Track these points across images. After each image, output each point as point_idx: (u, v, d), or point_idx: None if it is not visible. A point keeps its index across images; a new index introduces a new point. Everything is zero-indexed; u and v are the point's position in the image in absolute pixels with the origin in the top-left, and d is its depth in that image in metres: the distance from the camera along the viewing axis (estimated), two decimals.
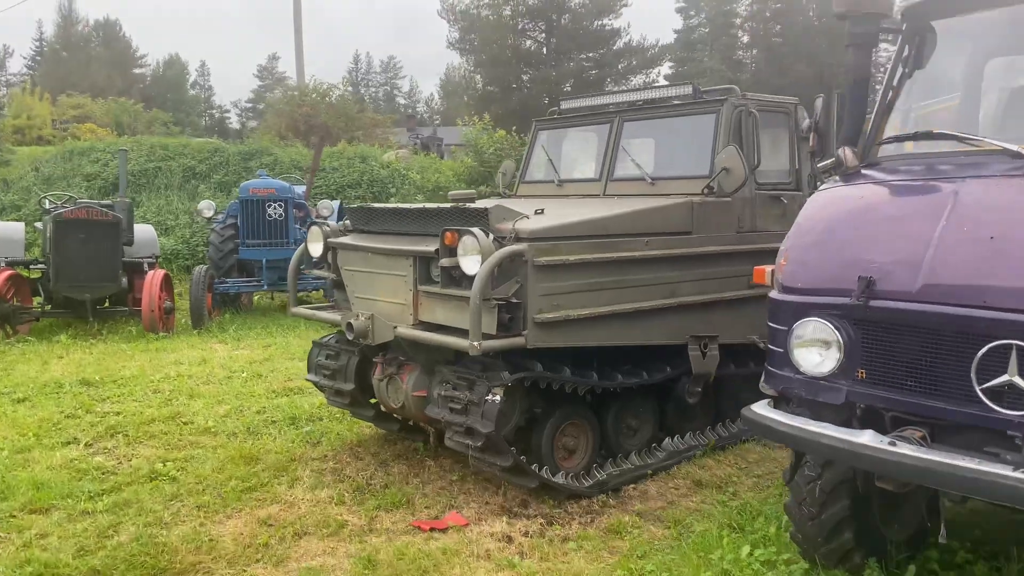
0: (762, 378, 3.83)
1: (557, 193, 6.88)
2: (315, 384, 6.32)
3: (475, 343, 4.55)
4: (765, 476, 5.53)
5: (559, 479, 5.14)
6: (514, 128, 17.84)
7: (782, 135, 6.47)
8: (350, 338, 5.36)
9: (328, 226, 6.06)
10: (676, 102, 6.34)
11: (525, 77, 42.16)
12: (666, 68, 52.21)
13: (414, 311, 5.20)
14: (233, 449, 6.13)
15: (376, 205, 5.76)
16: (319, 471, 5.69)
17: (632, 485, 5.42)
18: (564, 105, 7.19)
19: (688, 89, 6.22)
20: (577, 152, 7.28)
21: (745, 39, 73.85)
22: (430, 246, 5.03)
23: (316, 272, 6.25)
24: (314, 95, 24.18)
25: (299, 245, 6.65)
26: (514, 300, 4.74)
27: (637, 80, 44.00)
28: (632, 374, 5.49)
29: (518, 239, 4.79)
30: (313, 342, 6.37)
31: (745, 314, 6.06)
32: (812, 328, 3.49)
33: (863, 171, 4.02)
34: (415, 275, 5.17)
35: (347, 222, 6.09)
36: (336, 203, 14.13)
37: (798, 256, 3.71)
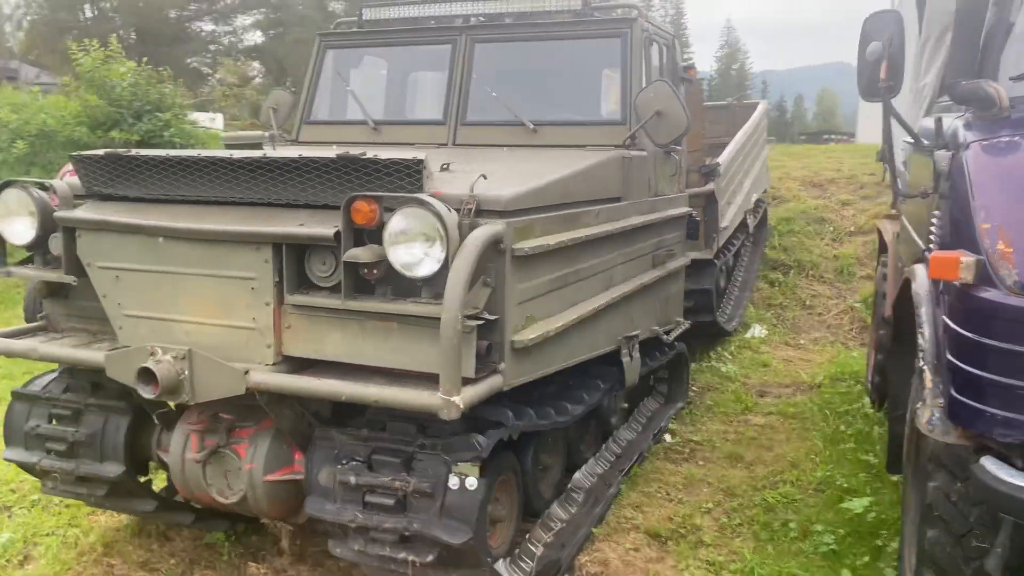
0: (953, 417, 2.53)
1: (373, 139, 4.84)
2: (26, 467, 3.62)
3: (455, 398, 2.59)
4: (716, 508, 4.31)
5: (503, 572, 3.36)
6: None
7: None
8: (147, 395, 2.94)
9: (42, 187, 3.39)
10: (553, 19, 4.71)
11: (106, 5, 35.67)
12: None
13: (276, 340, 2.97)
14: None
15: (152, 152, 3.28)
16: None
17: (583, 555, 3.83)
18: (369, 14, 5.10)
19: (576, 2, 4.61)
20: (392, 83, 5.27)
21: None
22: (312, 225, 2.87)
23: (19, 271, 3.51)
24: None
25: None
26: (487, 316, 2.83)
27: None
28: (577, 399, 3.86)
29: (480, 212, 2.88)
30: (14, 393, 3.63)
31: (649, 303, 4.76)
32: None
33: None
34: (277, 277, 2.94)
35: (70, 181, 3.48)
36: None
37: None
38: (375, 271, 2.79)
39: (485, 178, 2.99)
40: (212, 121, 22.16)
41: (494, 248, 2.81)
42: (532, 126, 4.48)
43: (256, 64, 34.90)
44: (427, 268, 2.71)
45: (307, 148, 4.58)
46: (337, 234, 2.78)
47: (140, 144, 12.14)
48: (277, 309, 2.95)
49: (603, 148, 4.18)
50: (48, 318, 3.66)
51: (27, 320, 6.84)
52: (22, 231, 3.36)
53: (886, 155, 6.76)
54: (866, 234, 9.51)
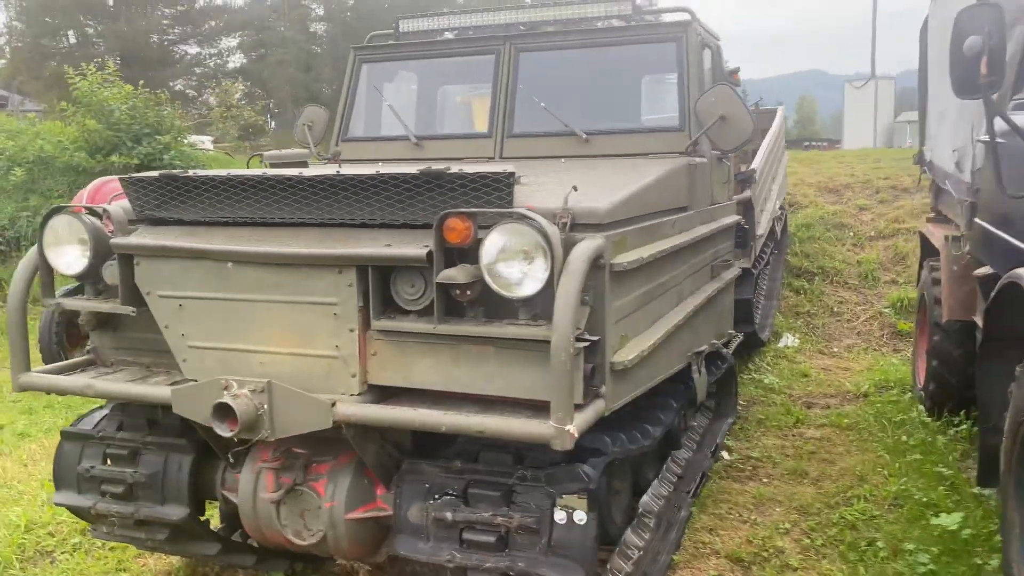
0: None
1: (416, 156, 4.66)
2: (79, 511, 3.39)
3: (569, 426, 2.41)
4: (793, 528, 4.12)
5: None
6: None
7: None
8: (224, 433, 2.73)
9: (92, 212, 3.19)
10: (601, 24, 4.56)
11: (90, 31, 35.38)
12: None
13: (361, 368, 2.78)
14: None
15: (212, 173, 3.09)
16: None
17: None
18: (406, 26, 4.93)
19: (626, 6, 4.45)
20: (425, 97, 5.09)
21: (320, 11, 72.47)
22: (400, 246, 2.68)
23: (71, 303, 3.29)
24: None
25: None
26: (589, 337, 2.64)
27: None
28: (655, 420, 3.67)
29: (575, 226, 2.70)
30: (64, 433, 3.41)
31: (711, 316, 4.59)
32: None
33: None
34: (362, 301, 2.74)
35: (124, 205, 3.27)
36: None
37: None
38: (468, 292, 2.60)
39: (576, 189, 2.81)
40: (203, 144, 21.90)
41: (594, 264, 2.63)
42: (585, 136, 4.32)
43: (240, 85, 34.59)
44: (529, 287, 2.52)
45: (352, 165, 4.39)
46: (429, 254, 2.59)
47: (140, 168, 11.91)
48: (362, 335, 2.76)
49: (667, 156, 4.02)
50: (95, 351, 3.45)
51: (43, 354, 6.59)
52: (73, 260, 3.15)
53: (923, 158, 6.64)
54: (886, 238, 9.40)
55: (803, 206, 10.35)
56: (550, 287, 2.49)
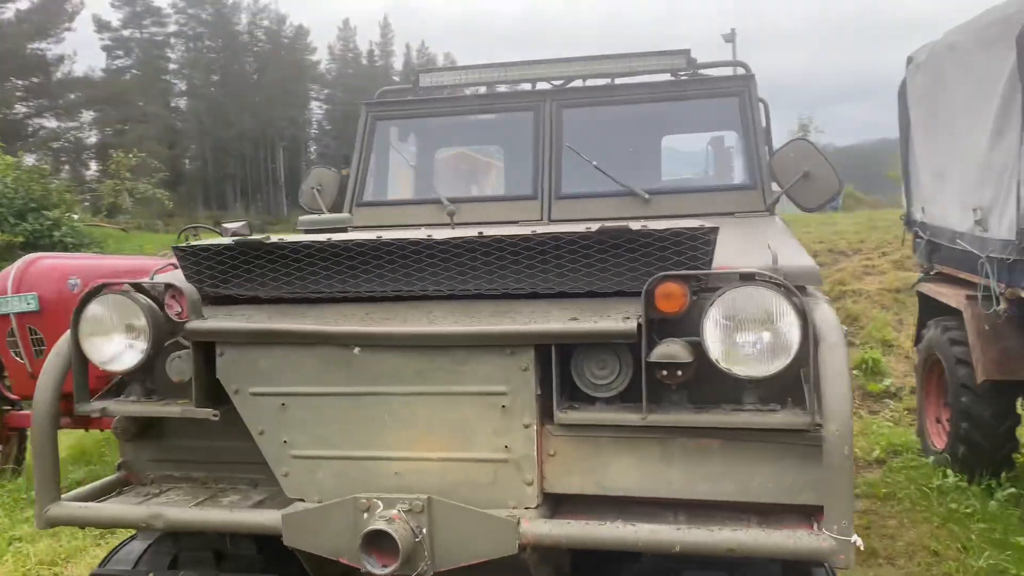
0: None
1: (450, 221, 4.15)
2: None
3: (854, 538, 1.95)
4: None
5: None
6: None
7: None
8: (377, 572, 2.09)
9: (147, 292, 2.50)
10: (645, 77, 4.26)
11: None
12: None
13: (539, 473, 2.22)
14: None
15: (307, 239, 2.51)
16: None
17: None
18: (427, 80, 4.46)
19: (680, 60, 4.17)
20: (456, 157, 4.62)
21: (183, 86, 70.61)
22: (586, 318, 2.18)
23: (124, 409, 2.54)
24: None
25: None
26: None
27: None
28: None
29: (788, 289, 2.28)
30: None
31: None
32: None
33: None
34: (539, 389, 2.21)
35: (176, 279, 2.60)
36: None
37: None
38: (679, 373, 2.13)
39: (769, 245, 2.42)
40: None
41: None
42: (646, 195, 3.95)
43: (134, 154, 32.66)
44: (771, 364, 2.08)
45: (392, 232, 3.84)
46: (639, 327, 2.11)
47: (26, 247, 10.66)
48: (540, 431, 2.22)
49: (752, 215, 3.72)
50: (128, 466, 2.71)
51: None
52: (121, 352, 2.45)
53: (911, 218, 6.66)
54: (835, 300, 9.51)
55: None
56: (796, 363, 2.07)
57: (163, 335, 2.45)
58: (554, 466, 2.24)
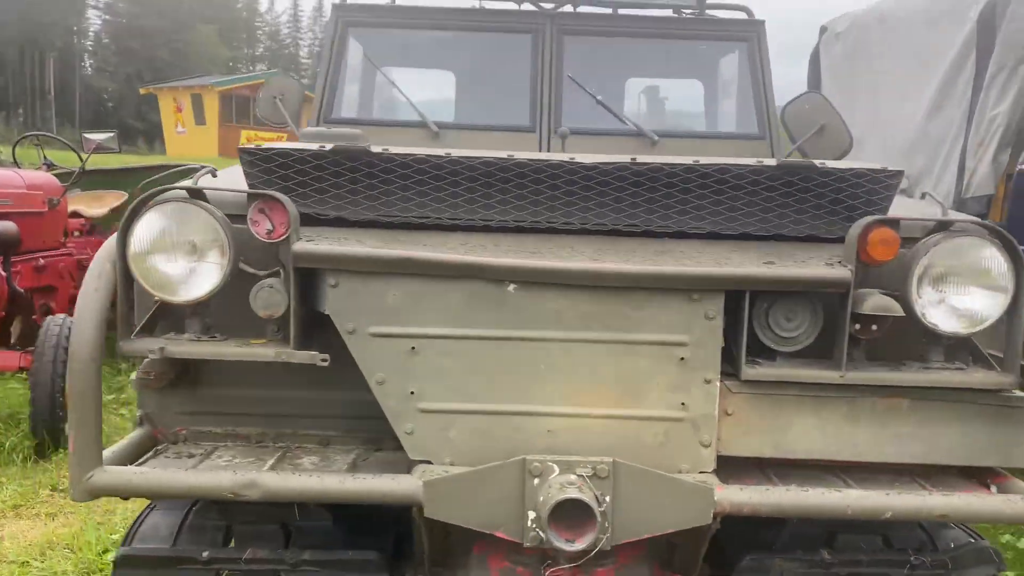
0: None
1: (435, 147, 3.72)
2: None
3: None
4: None
5: None
6: None
7: None
8: (569, 549, 1.77)
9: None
10: (655, 13, 4.02)
11: None
12: None
13: (716, 434, 1.98)
14: None
15: (430, 151, 2.09)
16: None
17: None
18: None
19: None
20: (438, 75, 4.15)
21: None
22: (783, 263, 1.96)
23: (186, 350, 1.97)
24: None
25: None
26: None
27: None
28: None
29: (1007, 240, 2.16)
30: (123, 559, 2.06)
31: None
32: None
33: None
34: (721, 342, 1.96)
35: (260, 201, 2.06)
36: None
37: None
38: (875, 328, 1.97)
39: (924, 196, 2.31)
40: None
41: None
42: (656, 137, 3.75)
43: None
44: (982, 321, 1.96)
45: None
46: (854, 277, 1.91)
47: None
48: (722, 388, 1.97)
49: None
50: (154, 421, 2.16)
51: None
52: (191, 275, 1.91)
53: None
54: None
55: None
56: (1002, 320, 1.96)
57: (246, 258, 1.95)
58: (731, 427, 2.00)
